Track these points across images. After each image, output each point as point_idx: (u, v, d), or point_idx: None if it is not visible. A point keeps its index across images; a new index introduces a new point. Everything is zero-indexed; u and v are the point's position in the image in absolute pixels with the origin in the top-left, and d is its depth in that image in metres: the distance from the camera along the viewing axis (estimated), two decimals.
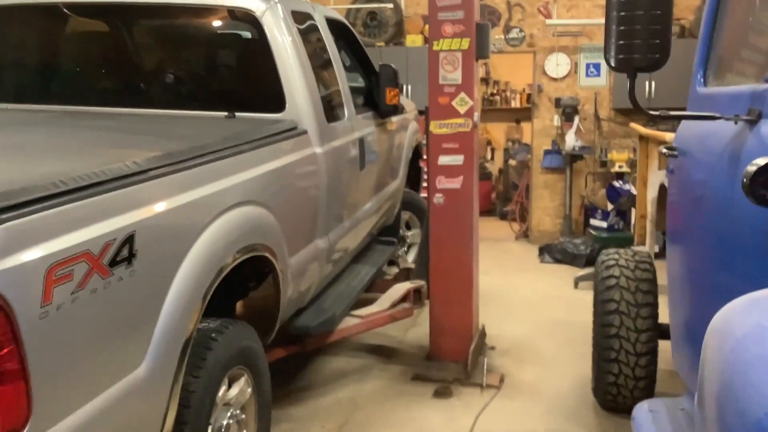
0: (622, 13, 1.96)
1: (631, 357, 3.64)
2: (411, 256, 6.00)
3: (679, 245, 2.65)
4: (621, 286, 3.70)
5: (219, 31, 4.09)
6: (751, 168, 1.59)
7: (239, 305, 3.34)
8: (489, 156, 11.30)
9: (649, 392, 3.70)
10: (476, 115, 4.50)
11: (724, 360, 1.16)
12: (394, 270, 5.80)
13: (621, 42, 1.96)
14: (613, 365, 3.69)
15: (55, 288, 1.78)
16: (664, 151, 2.78)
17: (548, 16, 8.19)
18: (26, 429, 1.72)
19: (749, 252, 1.90)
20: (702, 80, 2.53)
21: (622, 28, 1.96)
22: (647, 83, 7.62)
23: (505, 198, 10.21)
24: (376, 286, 5.12)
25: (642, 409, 2.52)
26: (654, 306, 3.66)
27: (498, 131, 11.46)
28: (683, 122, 2.74)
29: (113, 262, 1.99)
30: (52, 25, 4.11)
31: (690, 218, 2.48)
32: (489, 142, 11.43)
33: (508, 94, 11.43)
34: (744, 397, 1.03)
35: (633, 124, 5.65)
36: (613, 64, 2.02)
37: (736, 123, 1.99)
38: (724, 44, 2.45)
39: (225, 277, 2.68)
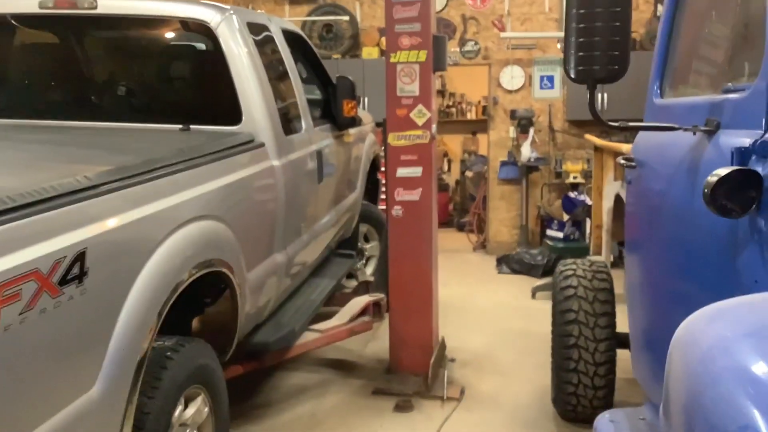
0: (582, 25, 1.97)
1: (590, 366, 3.66)
2: (370, 269, 5.97)
3: (638, 255, 2.67)
4: (579, 296, 3.72)
5: (173, 43, 4.02)
6: (712, 179, 1.60)
7: (195, 322, 3.27)
8: (446, 168, 11.35)
9: (608, 402, 3.72)
10: (434, 126, 4.50)
11: (691, 372, 1.15)
12: (353, 283, 5.76)
13: (580, 54, 1.97)
14: (573, 375, 3.70)
15: (3, 308, 1.71)
16: (622, 162, 2.81)
17: (502, 29, 8.27)
18: None
19: (709, 261, 1.91)
20: (658, 91, 2.56)
21: (581, 39, 1.97)
22: (600, 95, 7.74)
23: (462, 209, 10.26)
24: (336, 299, 5.07)
25: (603, 420, 2.53)
26: (612, 315, 3.68)
27: (454, 143, 11.52)
28: (641, 133, 2.77)
29: (63, 281, 1.92)
30: (0, 37, 3.99)
31: (649, 228, 2.50)
32: (446, 154, 11.48)
33: (464, 106, 11.50)
34: (715, 410, 1.02)
35: (588, 136, 5.72)
36: (573, 76, 2.03)
37: (694, 134, 2.02)
38: (680, 56, 2.49)
39: (181, 292, 2.62)
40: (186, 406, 2.73)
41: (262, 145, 3.48)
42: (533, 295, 6.63)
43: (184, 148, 2.94)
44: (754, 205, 1.60)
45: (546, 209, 8.25)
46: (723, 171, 1.59)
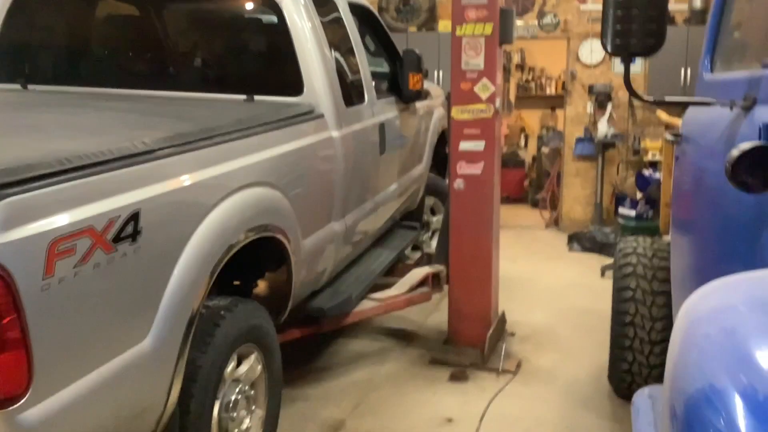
0: None
1: (645, 345, 3.63)
2: (435, 242, 6.02)
3: (680, 233, 2.63)
4: (638, 274, 3.68)
5: (240, 16, 4.15)
6: (734, 153, 1.59)
7: (257, 287, 3.41)
8: (523, 143, 11.23)
9: (663, 380, 3.68)
10: (498, 101, 4.49)
11: (678, 340, 1.17)
12: (418, 255, 5.83)
13: (618, 27, 1.96)
14: (628, 353, 3.68)
15: (58, 261, 1.86)
16: (669, 137, 2.76)
17: (583, 1, 8.09)
18: (27, 396, 1.80)
19: (739, 238, 1.89)
20: (709, 66, 2.51)
21: (619, 12, 1.96)
22: (683, 70, 7.51)
23: (537, 186, 10.15)
24: (398, 270, 5.16)
25: (642, 395, 2.51)
26: (670, 294, 3.63)
27: (533, 118, 11.38)
28: (689, 109, 2.71)
29: (117, 239, 2.06)
30: (81, 9, 4.21)
31: (690, 204, 2.46)
32: (523, 129, 11.35)
33: (543, 80, 11.33)
34: (683, 374, 1.05)
35: (658, 112, 5.57)
36: (609, 49, 2.02)
37: (731, 109, 1.98)
38: (730, 31, 2.43)
39: (242, 259, 2.75)
40: (239, 363, 2.89)
41: (321, 116, 3.57)
42: (602, 274, 6.55)
43: (244, 117, 3.06)
44: None
45: (619, 187, 8.08)
46: (746, 146, 1.57)
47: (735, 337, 1.06)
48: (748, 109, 1.91)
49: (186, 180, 2.43)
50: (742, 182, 1.60)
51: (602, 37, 2.02)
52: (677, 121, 4.19)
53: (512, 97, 11.05)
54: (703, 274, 2.15)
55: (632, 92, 2.05)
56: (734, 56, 2.44)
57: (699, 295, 1.32)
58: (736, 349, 1.03)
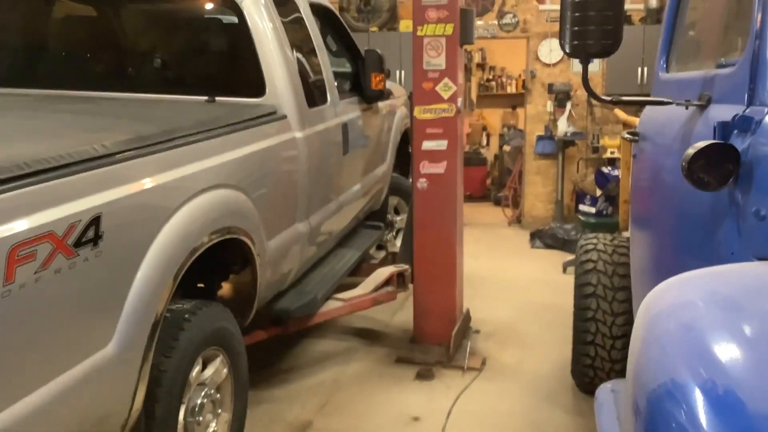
0: (577, 0, 1.99)
1: (607, 340, 3.69)
2: (399, 241, 6.04)
3: (639, 229, 2.68)
4: (598, 270, 3.74)
5: (200, 16, 4.12)
6: (690, 152, 1.63)
7: (221, 288, 3.39)
8: (485, 142, 11.31)
9: (625, 374, 3.74)
10: (460, 100, 4.52)
11: (638, 336, 1.20)
12: (383, 255, 5.85)
13: (575, 28, 1.99)
14: (590, 348, 3.74)
15: (18, 267, 1.83)
16: (627, 136, 2.82)
17: (541, 1, 8.18)
18: None
19: (697, 234, 1.94)
20: (665, 66, 2.56)
21: (576, 14, 1.99)
22: (639, 69, 7.64)
23: (500, 184, 10.24)
24: (363, 270, 5.17)
25: (605, 390, 2.57)
26: (630, 290, 3.69)
27: (494, 117, 11.47)
28: (646, 108, 2.77)
29: (78, 243, 2.03)
30: (36, 9, 4.14)
31: (647, 202, 2.52)
32: (485, 128, 11.44)
33: (504, 79, 11.43)
34: (645, 369, 1.07)
35: (616, 110, 5.67)
36: (567, 51, 2.06)
37: (686, 108, 2.03)
38: (685, 31, 2.48)
39: (208, 260, 2.73)
40: (205, 367, 2.87)
41: (284, 117, 3.56)
42: (564, 270, 6.63)
43: (205, 119, 3.04)
44: (731, 179, 1.63)
45: (579, 184, 8.20)
46: (701, 144, 1.62)
47: (694, 332, 1.09)
48: (703, 108, 1.96)
49: (147, 183, 2.41)
50: (698, 180, 1.64)
51: (560, 38, 2.06)
52: (634, 120, 4.27)
53: (474, 95, 11.12)
54: (662, 270, 2.19)
55: (591, 93, 2.08)
56: (689, 56, 2.49)
57: (658, 291, 1.35)
58: (695, 344, 1.06)
